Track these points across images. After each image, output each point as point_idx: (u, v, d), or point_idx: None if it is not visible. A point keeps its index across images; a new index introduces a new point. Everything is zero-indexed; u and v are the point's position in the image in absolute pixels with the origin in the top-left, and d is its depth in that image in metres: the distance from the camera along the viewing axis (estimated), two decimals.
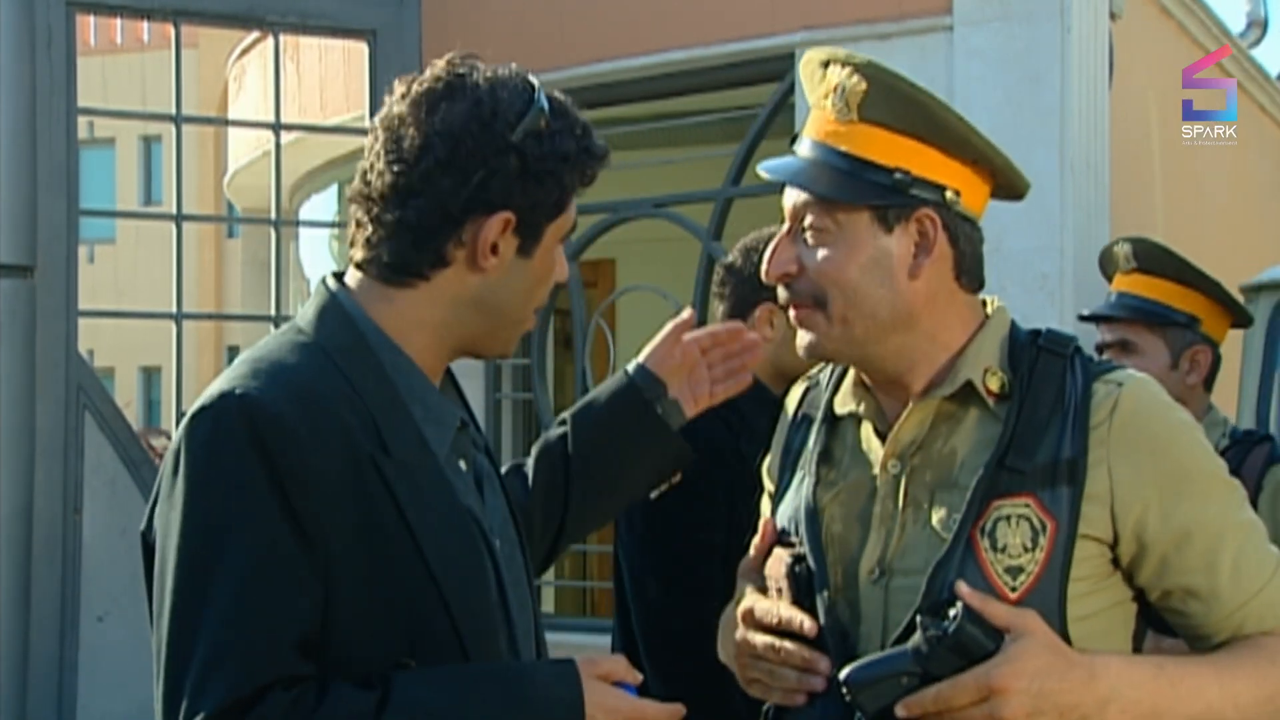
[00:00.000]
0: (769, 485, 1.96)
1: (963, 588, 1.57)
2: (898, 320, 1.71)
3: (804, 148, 1.75)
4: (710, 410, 2.64)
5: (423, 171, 1.56)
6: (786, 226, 1.75)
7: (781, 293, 1.77)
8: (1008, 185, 1.78)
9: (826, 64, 1.74)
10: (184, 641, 1.46)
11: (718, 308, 2.77)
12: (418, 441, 1.58)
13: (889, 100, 1.68)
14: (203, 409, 1.51)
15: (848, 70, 1.70)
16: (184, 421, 1.52)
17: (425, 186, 1.56)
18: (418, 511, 1.53)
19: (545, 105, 1.59)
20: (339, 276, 1.66)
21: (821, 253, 1.70)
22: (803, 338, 1.75)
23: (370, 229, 1.60)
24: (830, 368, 1.86)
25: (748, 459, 2.10)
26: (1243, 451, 2.82)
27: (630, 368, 2.04)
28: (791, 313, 1.76)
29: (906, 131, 1.68)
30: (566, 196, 1.63)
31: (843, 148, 1.70)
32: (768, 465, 1.97)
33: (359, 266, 1.63)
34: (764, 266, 1.76)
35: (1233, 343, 4.07)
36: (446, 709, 1.48)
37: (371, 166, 1.60)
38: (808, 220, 1.71)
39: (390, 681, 1.48)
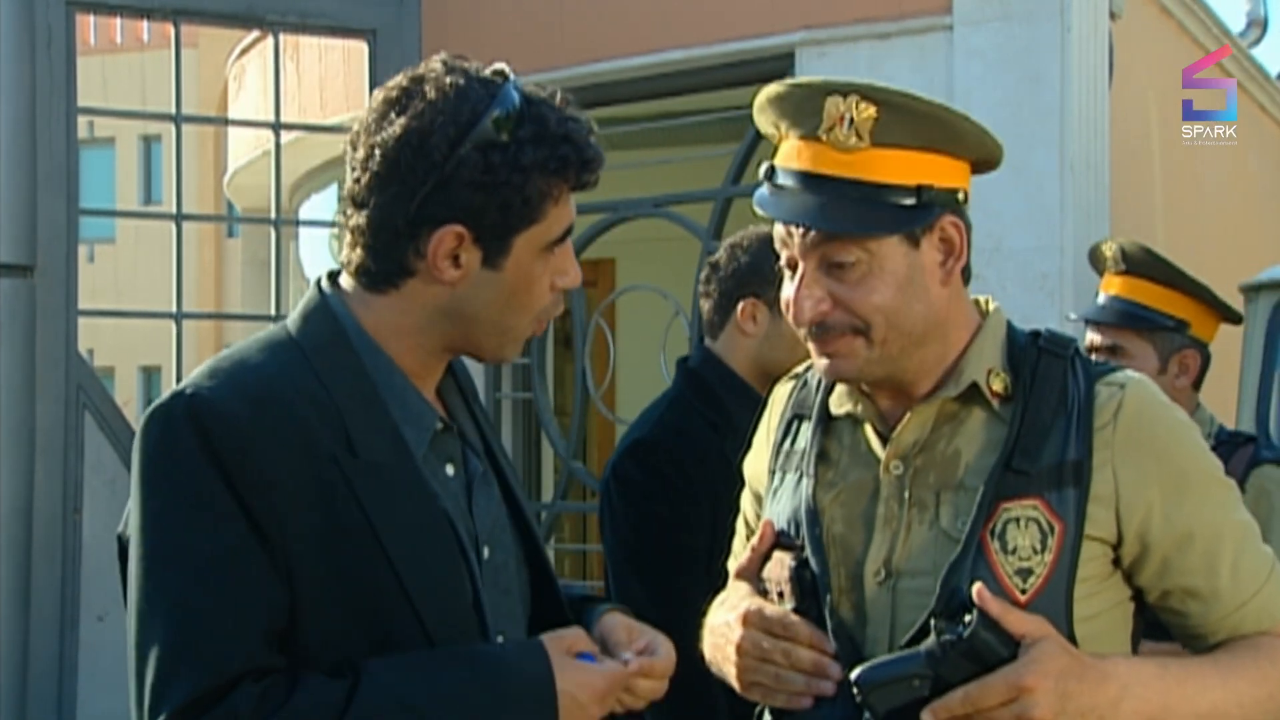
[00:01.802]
0: (751, 483, 1.94)
1: (983, 592, 1.57)
2: (930, 330, 1.69)
3: (802, 182, 1.67)
4: (695, 412, 2.64)
5: (367, 183, 1.56)
6: (804, 265, 1.68)
7: (811, 331, 1.70)
8: (988, 162, 1.75)
9: (821, 94, 1.66)
10: (145, 642, 1.46)
11: (704, 305, 2.77)
12: (392, 441, 1.56)
13: (903, 121, 1.64)
14: (154, 410, 1.52)
15: (853, 99, 1.64)
16: (140, 422, 1.52)
17: (371, 197, 1.56)
18: (383, 512, 1.52)
19: (508, 113, 1.54)
20: (334, 276, 1.65)
21: (860, 285, 1.66)
22: (836, 364, 1.70)
23: (345, 231, 1.61)
24: None
25: (732, 461, 2.09)
26: (1227, 453, 2.82)
27: (595, 619, 1.76)
28: (810, 343, 1.71)
29: (924, 146, 1.65)
30: (536, 206, 1.56)
31: (858, 176, 1.64)
32: (750, 463, 1.95)
33: (345, 267, 1.63)
34: (791, 314, 1.70)
35: (1232, 342, 4.08)
36: (417, 692, 1.47)
37: (349, 168, 1.61)
38: (836, 257, 1.66)
39: (359, 669, 1.47)
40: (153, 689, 1.44)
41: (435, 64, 1.59)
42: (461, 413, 1.72)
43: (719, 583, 1.93)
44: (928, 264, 1.68)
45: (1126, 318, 2.95)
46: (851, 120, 1.64)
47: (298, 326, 1.60)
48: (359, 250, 1.59)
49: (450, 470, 1.64)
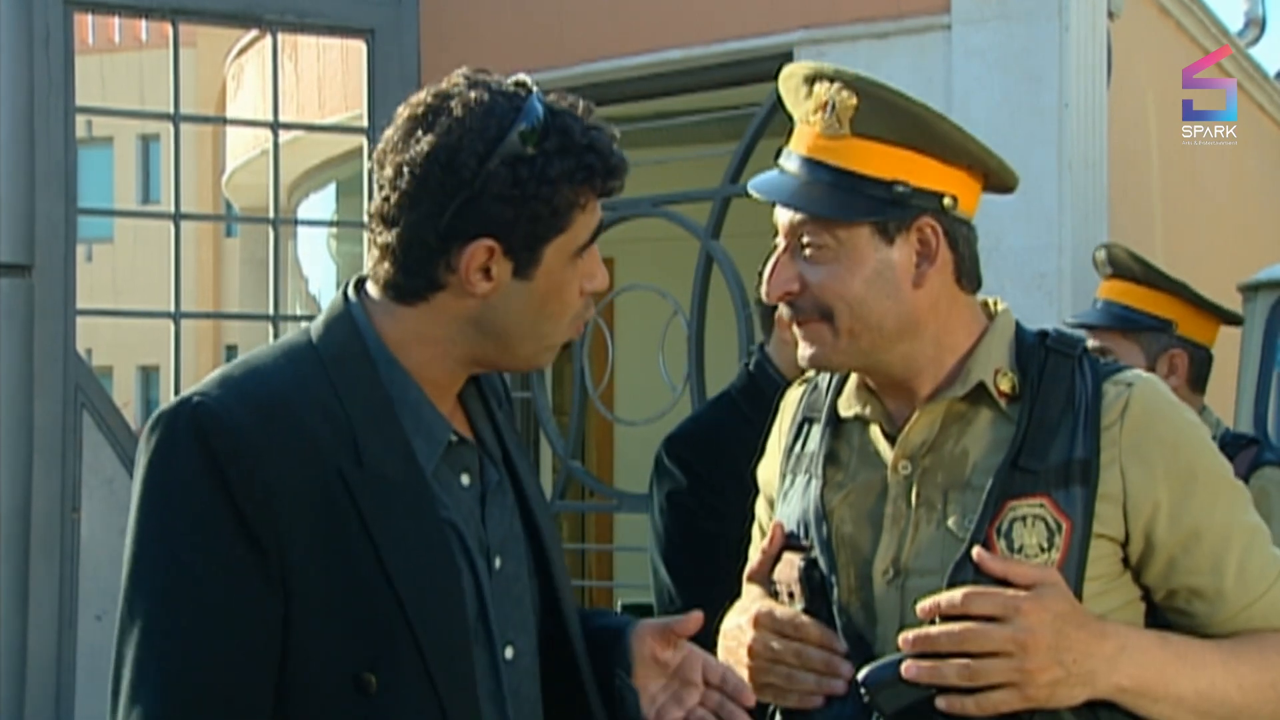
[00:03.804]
0: (764, 489, 1.95)
1: (983, 554, 1.60)
2: (904, 329, 1.71)
3: (793, 164, 1.73)
4: (734, 407, 2.70)
5: (397, 201, 1.57)
6: (783, 244, 1.74)
7: (784, 310, 1.76)
8: (999, 183, 1.78)
9: (812, 79, 1.71)
10: (123, 650, 1.47)
11: (756, 311, 2.83)
12: (401, 453, 1.56)
13: (882, 113, 1.67)
14: (159, 416, 1.52)
15: (836, 85, 1.68)
16: (146, 426, 1.53)
17: (401, 215, 1.57)
18: (385, 525, 1.52)
19: (533, 126, 1.55)
20: (361, 284, 1.66)
21: (824, 269, 1.69)
22: (805, 350, 1.74)
23: (373, 246, 1.62)
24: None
25: None
26: (1230, 454, 2.84)
27: (631, 629, 1.75)
28: (795, 327, 1.75)
29: (901, 143, 1.68)
30: (564, 215, 1.58)
31: (837, 163, 1.68)
32: (763, 468, 1.96)
33: (373, 280, 1.64)
34: (764, 287, 1.75)
35: (1230, 343, 4.08)
36: None
37: (376, 186, 1.61)
38: (806, 238, 1.70)
39: None
40: (125, 702, 1.45)
41: (458, 79, 1.60)
42: (482, 420, 1.71)
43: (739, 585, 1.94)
44: (900, 262, 1.70)
45: (1111, 319, 3.01)
46: (834, 106, 1.68)
47: (319, 334, 1.61)
48: (387, 265, 1.60)
49: (465, 480, 1.64)
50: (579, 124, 1.59)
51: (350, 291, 1.65)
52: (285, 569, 1.48)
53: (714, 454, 2.61)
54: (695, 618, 1.69)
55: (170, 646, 1.45)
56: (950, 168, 1.71)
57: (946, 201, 1.70)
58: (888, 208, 1.68)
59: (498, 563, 1.64)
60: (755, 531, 2.00)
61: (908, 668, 1.58)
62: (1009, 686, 1.56)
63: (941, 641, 1.57)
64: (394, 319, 1.61)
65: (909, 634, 1.59)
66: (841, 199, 1.68)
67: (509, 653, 1.63)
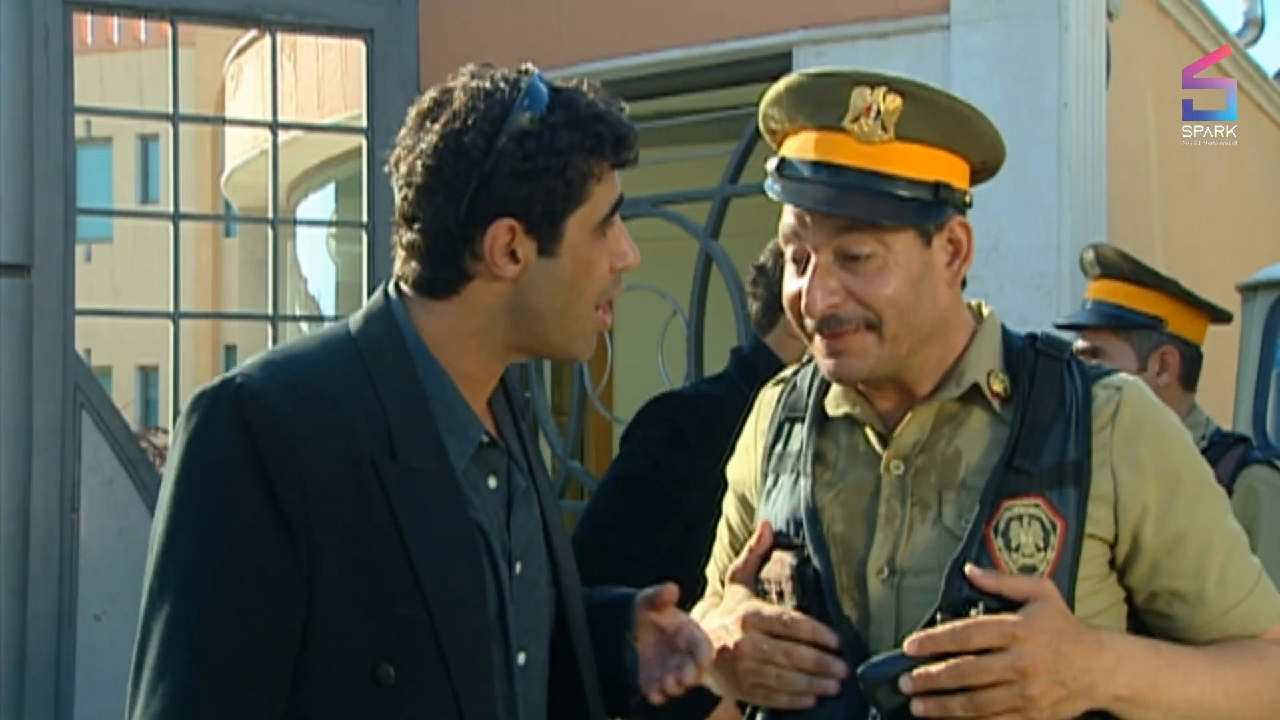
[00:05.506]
0: (736, 487, 1.95)
1: (976, 571, 1.60)
2: (935, 330, 1.71)
3: (823, 173, 1.67)
4: (734, 386, 2.71)
5: (415, 196, 1.59)
6: (818, 259, 1.68)
7: (811, 324, 1.70)
8: (987, 176, 1.77)
9: (850, 85, 1.67)
10: (150, 624, 1.48)
11: (752, 305, 2.83)
12: (434, 449, 1.57)
13: (928, 116, 1.66)
14: (201, 394, 1.54)
15: (881, 90, 1.65)
16: (187, 403, 1.54)
17: (421, 210, 1.59)
18: (414, 518, 1.53)
19: (535, 103, 1.57)
20: (399, 283, 1.67)
21: (875, 279, 1.66)
22: (846, 363, 1.69)
23: (399, 248, 1.64)
24: (809, 369, 1.85)
25: None
26: (1218, 454, 2.85)
27: (638, 594, 1.79)
28: (826, 341, 1.70)
29: (942, 144, 1.67)
30: (579, 187, 1.58)
31: (879, 169, 1.65)
32: (734, 467, 1.96)
33: (403, 281, 1.65)
34: (802, 305, 1.69)
35: (1228, 342, 4.08)
36: None
37: (395, 189, 1.63)
38: (852, 249, 1.66)
39: None
40: (151, 675, 1.46)
41: (461, 74, 1.63)
42: (509, 428, 1.72)
43: (699, 579, 1.94)
44: (937, 263, 1.70)
45: (1102, 318, 3.01)
46: (879, 112, 1.65)
47: (359, 327, 1.63)
48: (415, 263, 1.61)
49: (493, 483, 1.65)
50: (583, 98, 1.61)
51: (390, 289, 1.66)
52: (312, 553, 1.49)
53: (708, 426, 2.62)
54: (670, 590, 1.74)
55: (199, 623, 1.46)
56: (968, 164, 1.71)
57: (968, 199, 1.71)
58: (932, 210, 1.67)
59: (518, 568, 1.64)
60: (722, 528, 1.99)
61: (916, 707, 1.57)
62: (1013, 712, 1.56)
63: (943, 679, 1.56)
64: (430, 315, 1.62)
65: (916, 672, 1.57)
66: (890, 205, 1.65)
67: (521, 658, 1.64)
